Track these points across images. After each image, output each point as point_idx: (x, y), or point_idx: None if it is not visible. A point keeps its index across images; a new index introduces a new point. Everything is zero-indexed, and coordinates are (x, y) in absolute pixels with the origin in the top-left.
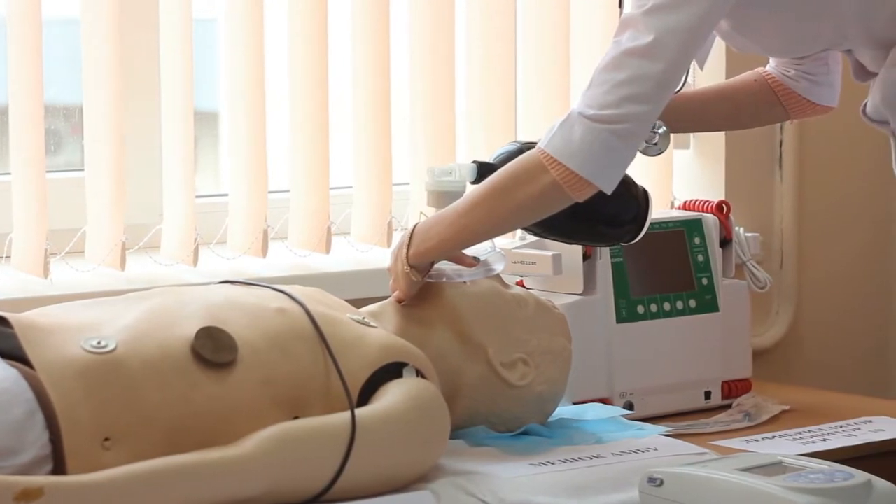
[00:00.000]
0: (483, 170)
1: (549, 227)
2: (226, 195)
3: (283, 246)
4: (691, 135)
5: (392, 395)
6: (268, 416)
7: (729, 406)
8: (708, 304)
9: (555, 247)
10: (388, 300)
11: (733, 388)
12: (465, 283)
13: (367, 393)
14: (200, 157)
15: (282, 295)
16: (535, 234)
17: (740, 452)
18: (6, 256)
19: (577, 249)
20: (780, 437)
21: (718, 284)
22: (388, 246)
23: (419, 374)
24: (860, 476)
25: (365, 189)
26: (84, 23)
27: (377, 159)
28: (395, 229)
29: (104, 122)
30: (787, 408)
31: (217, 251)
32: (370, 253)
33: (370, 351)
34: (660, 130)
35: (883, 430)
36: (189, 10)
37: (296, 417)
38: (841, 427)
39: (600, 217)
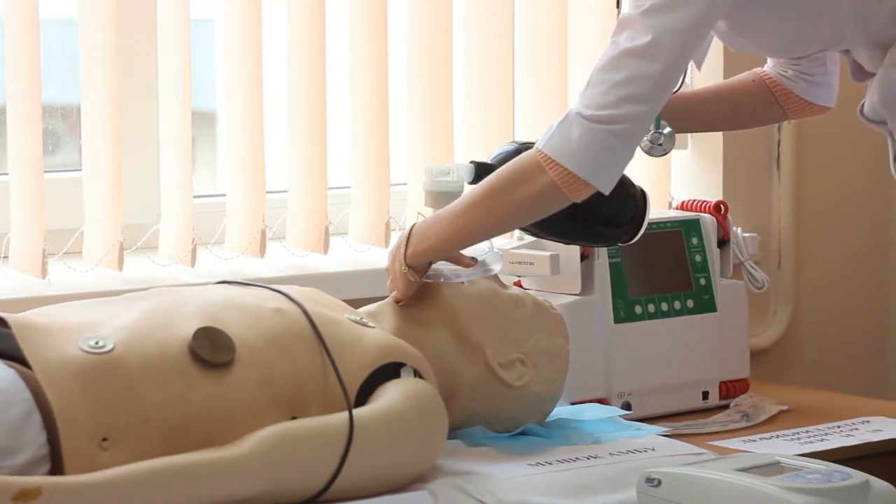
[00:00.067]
0: (481, 170)
1: (547, 228)
2: (224, 195)
3: (280, 246)
4: (689, 135)
5: (390, 396)
6: (266, 416)
7: (727, 406)
8: (706, 304)
9: (553, 247)
10: (385, 300)
11: (731, 389)
12: (462, 283)
13: (365, 393)
14: (198, 157)
15: (279, 295)
16: (532, 234)
17: (738, 452)
18: (4, 256)
19: (575, 250)
20: (777, 437)
21: (716, 284)
22: (386, 246)
23: (417, 374)
24: (858, 476)
25: (363, 189)
26: (82, 23)
27: (375, 159)
28: (393, 229)
29: (102, 123)
30: (784, 408)
31: (215, 251)
32: (368, 253)
33: (368, 351)
34: (665, 131)
35: (881, 431)
36: (187, 10)
37: (294, 417)
38: (839, 427)
39: (598, 217)
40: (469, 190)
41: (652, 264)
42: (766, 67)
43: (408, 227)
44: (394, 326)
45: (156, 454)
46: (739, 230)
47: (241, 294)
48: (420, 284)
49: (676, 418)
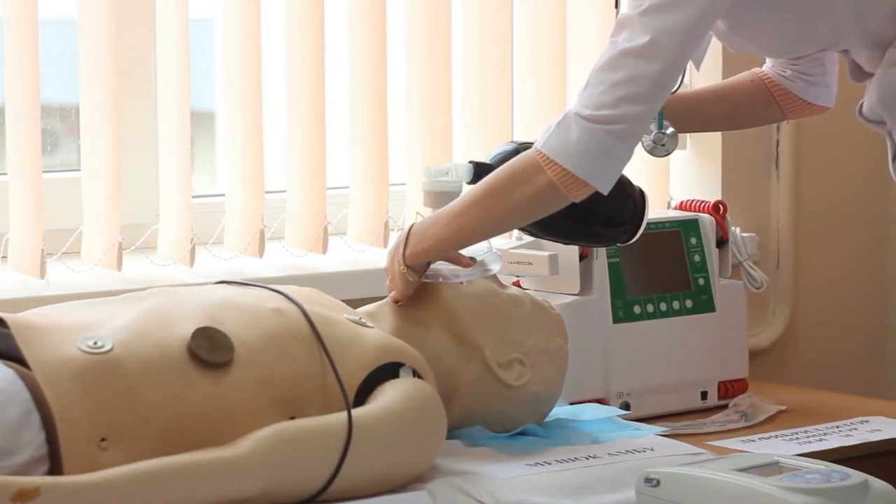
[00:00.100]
0: (479, 170)
1: (546, 228)
2: (222, 195)
3: (279, 246)
4: (688, 135)
5: (389, 396)
6: (264, 416)
7: (725, 406)
8: (704, 304)
9: (551, 247)
10: (384, 300)
11: (730, 389)
12: (461, 283)
13: (364, 393)
14: (197, 157)
15: (278, 295)
16: (531, 234)
17: (737, 452)
18: (3, 256)
19: (574, 250)
20: (776, 437)
21: (715, 284)
22: (385, 246)
23: (416, 374)
24: (857, 476)
25: (361, 189)
26: (80, 23)
27: (374, 159)
28: (392, 229)
29: (101, 123)
30: (783, 408)
31: (213, 251)
32: (367, 253)
33: (367, 351)
34: (668, 132)
35: (879, 430)
36: (186, 10)
37: (292, 417)
38: (837, 427)
39: (597, 217)
40: (468, 190)
41: (651, 264)
42: (764, 67)
43: (406, 227)
44: (392, 326)
45: (154, 454)
46: (738, 230)
47: (240, 294)
48: (419, 284)
49: (675, 418)
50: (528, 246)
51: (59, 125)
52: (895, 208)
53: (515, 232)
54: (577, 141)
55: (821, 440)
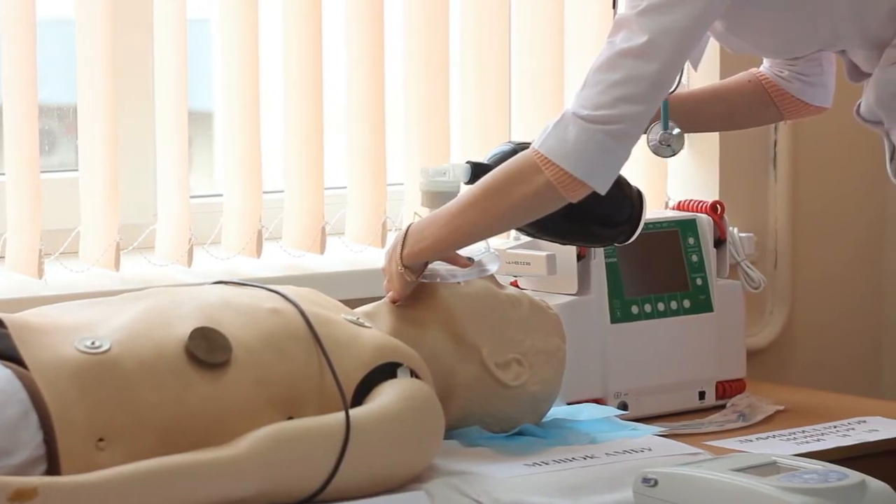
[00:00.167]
0: (477, 170)
1: (543, 228)
2: (220, 195)
3: (277, 246)
4: (686, 135)
5: (386, 396)
6: (262, 416)
7: (723, 406)
8: (702, 304)
9: (549, 247)
10: (382, 301)
11: (728, 389)
12: (459, 283)
13: (362, 393)
14: (195, 157)
15: (276, 295)
16: (528, 234)
17: (734, 453)
18: (0, 257)
19: (572, 250)
20: (774, 437)
21: (713, 284)
22: (383, 246)
23: (413, 374)
24: (854, 476)
25: (359, 189)
26: (78, 23)
27: (371, 159)
28: (390, 230)
29: (98, 123)
30: (781, 408)
31: (211, 251)
32: (364, 253)
33: (364, 351)
34: (674, 132)
35: (877, 431)
36: (183, 9)
37: (290, 418)
38: (835, 427)
39: (594, 217)
40: (465, 190)
41: (648, 264)
42: (762, 68)
43: (404, 228)
44: (390, 326)
45: (152, 454)
46: (736, 230)
47: (238, 294)
48: (416, 284)
49: (673, 418)
50: (525, 246)
51: (57, 125)
52: (893, 208)
53: (513, 232)
54: (575, 141)
55: (818, 440)
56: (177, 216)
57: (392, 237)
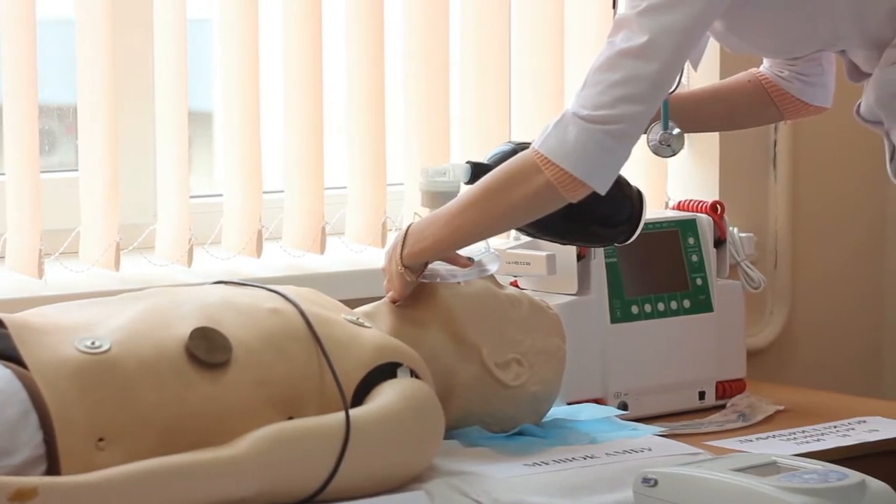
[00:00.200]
0: (477, 170)
1: (543, 228)
2: (220, 195)
3: (277, 246)
4: (685, 135)
5: (386, 396)
6: (262, 416)
7: (723, 406)
8: (702, 304)
9: (549, 247)
10: (382, 301)
11: (727, 389)
12: (459, 283)
13: (362, 393)
14: (195, 157)
15: (276, 295)
16: (528, 234)
17: (734, 453)
18: (0, 257)
19: (572, 250)
20: (774, 437)
21: (713, 284)
22: (383, 246)
23: (413, 374)
24: (854, 476)
25: (359, 189)
26: (78, 23)
27: (371, 160)
28: (390, 230)
29: (98, 123)
30: (781, 408)
31: (211, 251)
32: (364, 253)
33: (364, 351)
34: (674, 132)
35: (877, 431)
36: (183, 10)
37: (290, 418)
38: (835, 427)
39: (594, 217)
40: (465, 190)
41: (648, 264)
42: (762, 68)
43: (404, 228)
44: (390, 326)
45: (152, 454)
46: (736, 230)
47: (238, 294)
48: (416, 284)
49: (673, 418)
50: (525, 246)
51: (57, 125)
52: (893, 208)
53: (513, 232)
54: (575, 141)
55: (818, 440)
56: (177, 216)
57: (392, 237)
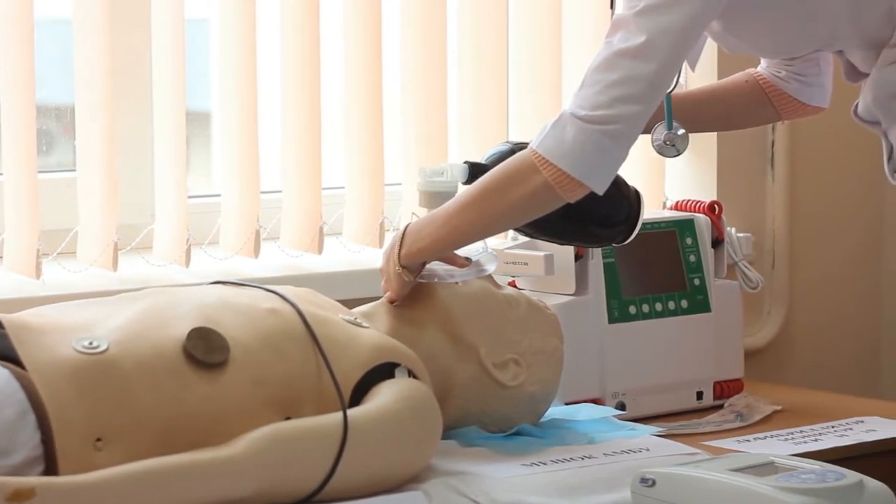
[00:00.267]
0: (475, 170)
1: (541, 228)
2: (218, 195)
3: (275, 246)
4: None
5: (384, 396)
6: (260, 416)
7: (721, 406)
8: (700, 304)
9: (547, 247)
10: (379, 301)
11: (725, 389)
12: (456, 283)
13: (360, 393)
14: (192, 157)
15: (274, 295)
16: (526, 234)
17: (732, 453)
18: None
19: (569, 250)
20: (771, 437)
21: (710, 285)
22: (380, 246)
23: (411, 374)
24: (852, 476)
25: (357, 189)
26: (76, 23)
27: (369, 160)
28: (387, 230)
29: (96, 123)
30: (778, 408)
31: (209, 251)
32: (362, 253)
33: (362, 351)
34: (679, 132)
35: (875, 431)
36: (181, 10)
37: (288, 418)
38: (833, 427)
39: (592, 218)
40: (463, 190)
41: (646, 264)
42: (759, 68)
43: (402, 228)
44: (388, 327)
45: (150, 454)
46: (733, 230)
47: (236, 294)
48: (414, 285)
49: (671, 418)
50: (523, 246)
51: (55, 125)
52: (890, 208)
53: (511, 232)
54: (573, 141)
55: (816, 440)
56: (175, 216)
57: (390, 237)
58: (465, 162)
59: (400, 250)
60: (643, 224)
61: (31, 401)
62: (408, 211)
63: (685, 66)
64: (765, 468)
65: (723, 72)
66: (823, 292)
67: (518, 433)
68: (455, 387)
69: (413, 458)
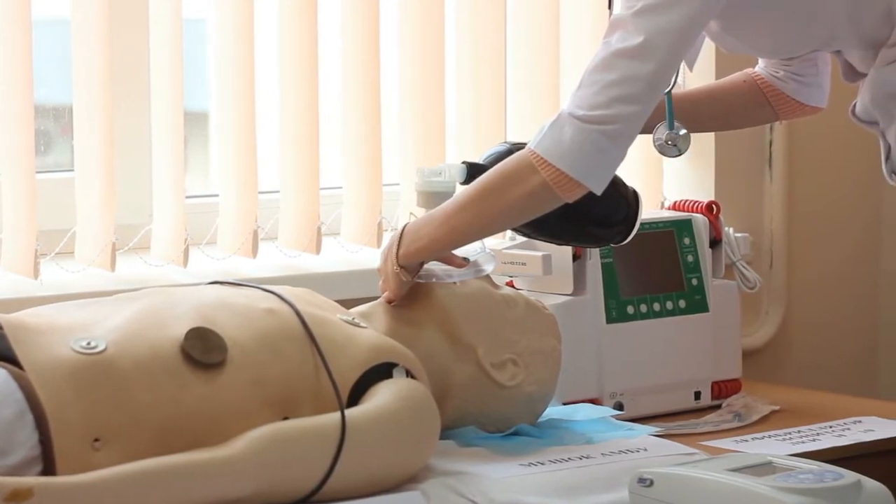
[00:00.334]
0: (473, 170)
1: (539, 228)
2: (216, 195)
3: (273, 246)
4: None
5: (382, 396)
6: (258, 416)
7: (719, 406)
8: (698, 304)
9: (545, 247)
10: (377, 301)
11: (723, 389)
12: (454, 283)
13: (358, 393)
14: (190, 157)
15: (271, 295)
16: (524, 234)
17: (730, 453)
18: None
19: (567, 250)
20: (769, 437)
21: (708, 285)
22: (378, 246)
23: (409, 374)
24: (850, 476)
25: (355, 189)
26: (74, 23)
27: (367, 160)
28: (385, 230)
29: (94, 123)
30: (776, 408)
31: (207, 252)
32: (360, 253)
33: (360, 351)
34: (680, 133)
35: (872, 431)
36: (179, 9)
37: (286, 418)
38: (830, 427)
39: (590, 218)
40: (461, 190)
41: (644, 264)
42: (757, 68)
43: (400, 228)
44: (386, 327)
45: (148, 454)
46: (731, 230)
47: (233, 294)
48: (412, 285)
49: (668, 418)
50: (521, 246)
51: (53, 125)
52: (888, 208)
53: (509, 232)
54: (571, 141)
55: (814, 440)
56: (172, 216)
57: (388, 237)
58: (463, 162)
59: (398, 250)
60: (641, 224)
61: (29, 401)
62: (406, 211)
63: (683, 66)
64: (763, 468)
65: (721, 72)
66: (821, 292)
67: (516, 433)
68: (453, 387)
69: (411, 458)
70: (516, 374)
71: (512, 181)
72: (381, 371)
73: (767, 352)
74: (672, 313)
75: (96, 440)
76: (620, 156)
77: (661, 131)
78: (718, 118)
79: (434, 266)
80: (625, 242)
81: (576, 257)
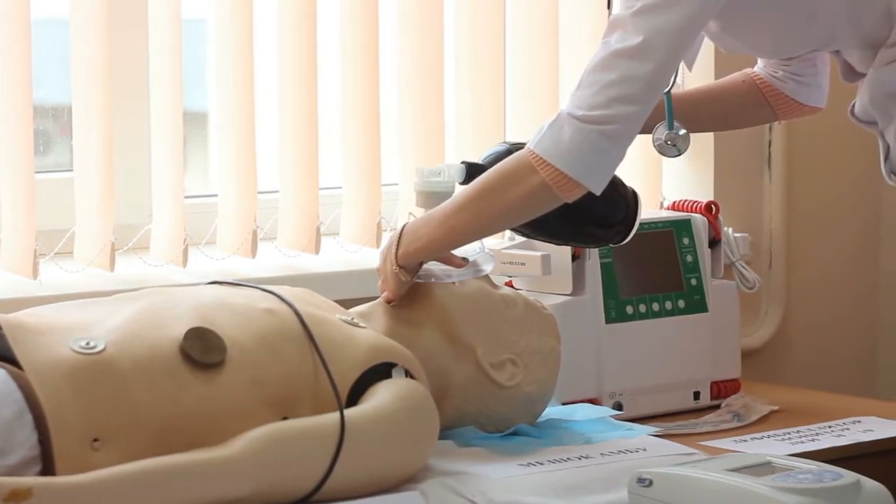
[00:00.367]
0: (472, 170)
1: (538, 228)
2: (215, 195)
3: (272, 246)
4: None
5: (381, 396)
6: (257, 416)
7: (718, 406)
8: (697, 304)
9: (544, 247)
10: (377, 301)
11: (722, 389)
12: (453, 283)
13: (357, 393)
14: (189, 157)
15: (270, 295)
16: (524, 234)
17: (729, 453)
18: None
19: (567, 250)
20: (769, 437)
21: (707, 285)
22: (378, 246)
23: (408, 374)
24: (849, 476)
25: (354, 189)
26: (73, 23)
27: (366, 160)
28: (385, 230)
29: (93, 123)
30: (776, 408)
31: (206, 252)
32: (359, 253)
33: (359, 351)
34: (680, 133)
35: (872, 431)
36: (178, 10)
37: (285, 418)
38: (830, 427)
39: (589, 218)
40: (460, 190)
41: (643, 264)
42: (756, 68)
43: (399, 228)
44: (385, 327)
45: (147, 455)
46: (731, 230)
47: (233, 294)
48: (411, 285)
49: (668, 418)
50: (520, 246)
51: (52, 125)
52: (887, 208)
53: (508, 232)
54: (570, 141)
55: (813, 440)
56: (172, 216)
57: (387, 237)
58: (463, 162)
59: (397, 250)
60: (640, 224)
61: (28, 401)
62: (405, 211)
63: (682, 66)
64: (762, 468)
65: (720, 72)
66: (820, 292)
67: (515, 433)
68: (452, 387)
69: (410, 458)
70: (515, 374)
71: (511, 181)
72: (381, 371)
73: (766, 352)
74: (671, 313)
75: (95, 440)
76: (619, 156)
77: (661, 131)
78: (717, 118)
79: (433, 266)
80: (624, 242)
81: (575, 257)
